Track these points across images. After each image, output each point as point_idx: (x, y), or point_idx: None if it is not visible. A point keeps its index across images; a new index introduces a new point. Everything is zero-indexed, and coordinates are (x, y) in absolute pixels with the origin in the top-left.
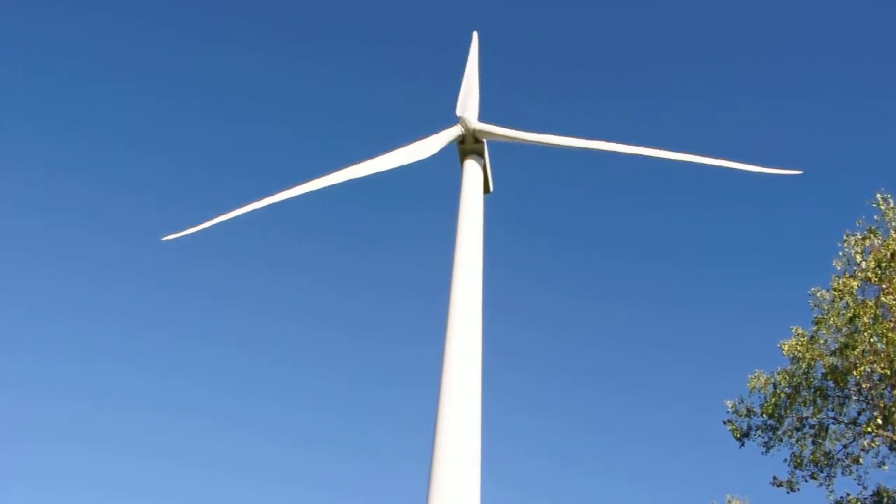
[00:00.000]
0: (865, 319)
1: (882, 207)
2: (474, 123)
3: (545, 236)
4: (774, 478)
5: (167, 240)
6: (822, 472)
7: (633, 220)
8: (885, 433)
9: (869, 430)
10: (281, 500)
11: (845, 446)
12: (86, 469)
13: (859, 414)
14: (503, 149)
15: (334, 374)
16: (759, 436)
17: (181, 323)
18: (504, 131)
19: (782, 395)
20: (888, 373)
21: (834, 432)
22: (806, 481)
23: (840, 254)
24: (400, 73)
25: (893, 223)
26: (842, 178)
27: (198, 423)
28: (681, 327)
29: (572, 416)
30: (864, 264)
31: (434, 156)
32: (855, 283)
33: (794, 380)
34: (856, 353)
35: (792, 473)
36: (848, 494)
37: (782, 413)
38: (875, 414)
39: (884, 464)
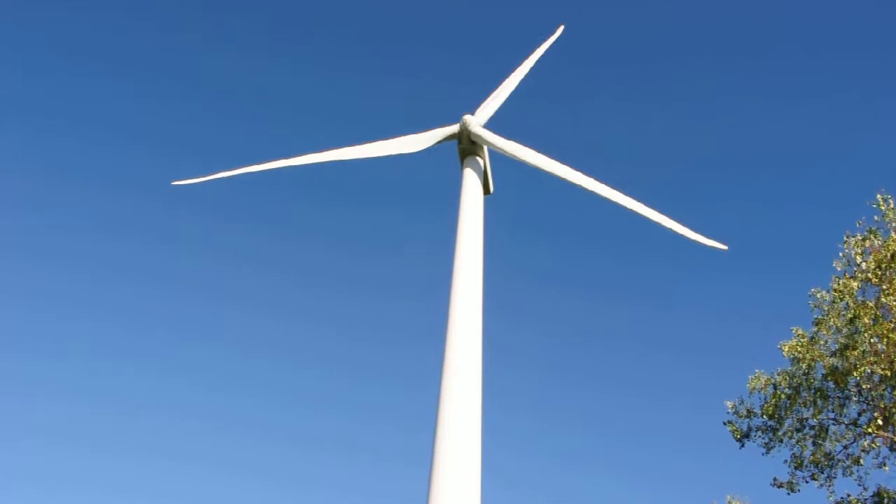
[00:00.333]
0: (866, 320)
1: (882, 208)
2: (473, 126)
3: (545, 237)
4: (775, 479)
5: (177, 184)
6: (822, 472)
7: (633, 220)
8: (886, 434)
9: (869, 430)
10: (281, 501)
11: (846, 447)
12: (86, 469)
13: (860, 415)
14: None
15: (335, 374)
16: (760, 437)
17: (181, 323)
18: (498, 141)
19: (782, 396)
20: (888, 374)
21: (834, 433)
22: (806, 482)
23: (840, 254)
24: (400, 73)
25: (893, 224)
26: (842, 178)
27: (198, 423)
28: (681, 327)
29: (572, 416)
30: (864, 265)
31: (434, 157)
32: (855, 284)
33: (795, 381)
34: (856, 353)
35: (792, 474)
36: (848, 495)
37: (782, 414)
38: (875, 415)
39: (884, 465)
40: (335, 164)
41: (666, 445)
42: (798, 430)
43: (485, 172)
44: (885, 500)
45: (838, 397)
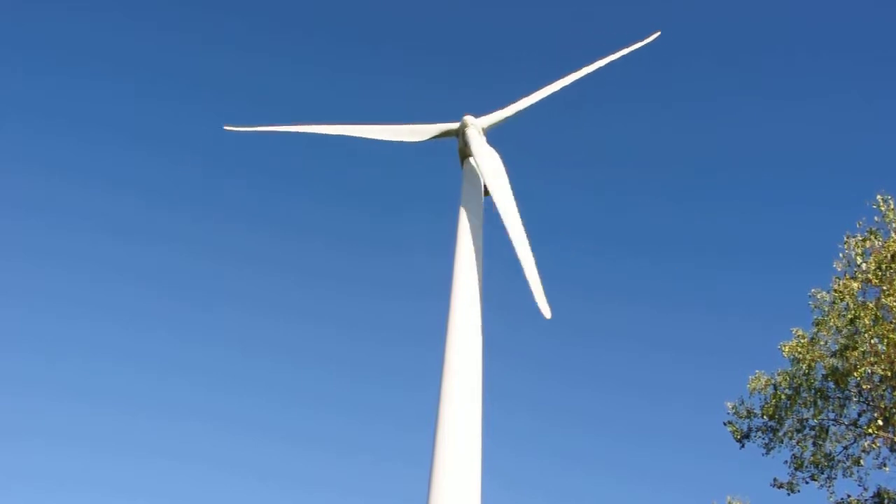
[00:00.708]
0: (866, 321)
1: (882, 209)
2: (476, 122)
3: (545, 237)
4: (775, 479)
5: (229, 129)
6: (822, 473)
7: (633, 220)
8: (886, 434)
9: (869, 431)
10: (281, 501)
11: (846, 448)
12: (85, 470)
13: (860, 415)
14: (503, 151)
15: (335, 374)
16: (760, 437)
17: (181, 323)
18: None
19: (783, 397)
20: (889, 374)
21: (834, 434)
22: (806, 483)
23: (840, 255)
24: (400, 73)
25: (894, 224)
26: (842, 178)
27: (198, 423)
28: (681, 328)
29: (572, 416)
30: (864, 266)
31: (435, 157)
32: (855, 285)
33: (795, 381)
34: (856, 354)
35: (792, 475)
36: (848, 496)
37: (783, 414)
38: (875, 415)
39: (884, 465)
40: (335, 164)
41: (666, 445)
42: (798, 431)
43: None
44: (886, 501)
45: (838, 398)
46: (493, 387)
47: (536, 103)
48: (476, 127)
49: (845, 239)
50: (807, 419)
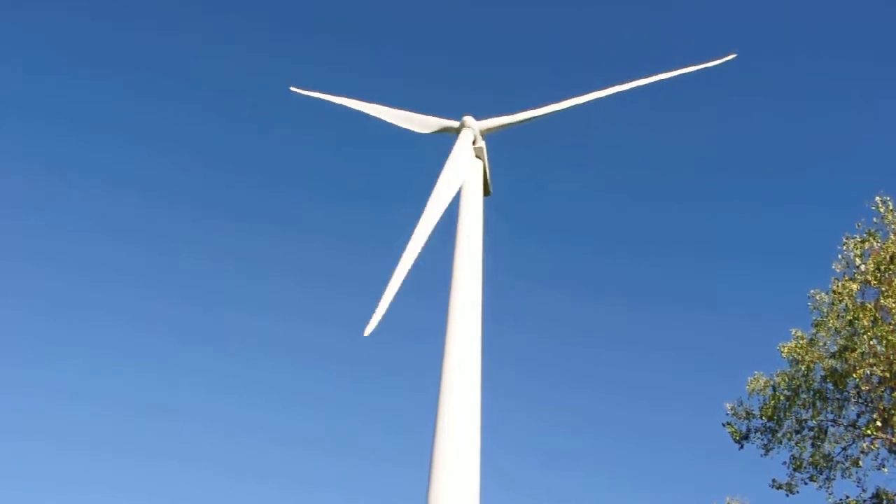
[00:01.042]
0: (865, 322)
1: (881, 210)
2: (478, 123)
3: (545, 237)
4: (774, 480)
5: (295, 91)
6: (821, 474)
7: (633, 221)
8: (885, 436)
9: (868, 432)
10: (281, 501)
11: (844, 449)
12: (85, 470)
13: (859, 416)
14: (503, 151)
15: (335, 374)
16: (759, 438)
17: (181, 323)
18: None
19: (781, 398)
20: (887, 375)
21: (833, 435)
22: (805, 483)
23: (839, 256)
24: (400, 73)
25: (893, 226)
26: (841, 178)
27: (198, 423)
28: (680, 328)
29: (572, 417)
30: (863, 267)
31: (435, 158)
32: (854, 286)
33: (794, 382)
34: (855, 355)
35: (791, 476)
36: (847, 497)
37: (781, 415)
38: (874, 416)
39: (883, 466)
40: (335, 163)
41: (665, 446)
42: (797, 432)
43: (484, 174)
44: (884, 502)
45: (837, 399)
46: (493, 387)
47: (541, 116)
48: (473, 130)
49: (844, 240)
50: (806, 420)
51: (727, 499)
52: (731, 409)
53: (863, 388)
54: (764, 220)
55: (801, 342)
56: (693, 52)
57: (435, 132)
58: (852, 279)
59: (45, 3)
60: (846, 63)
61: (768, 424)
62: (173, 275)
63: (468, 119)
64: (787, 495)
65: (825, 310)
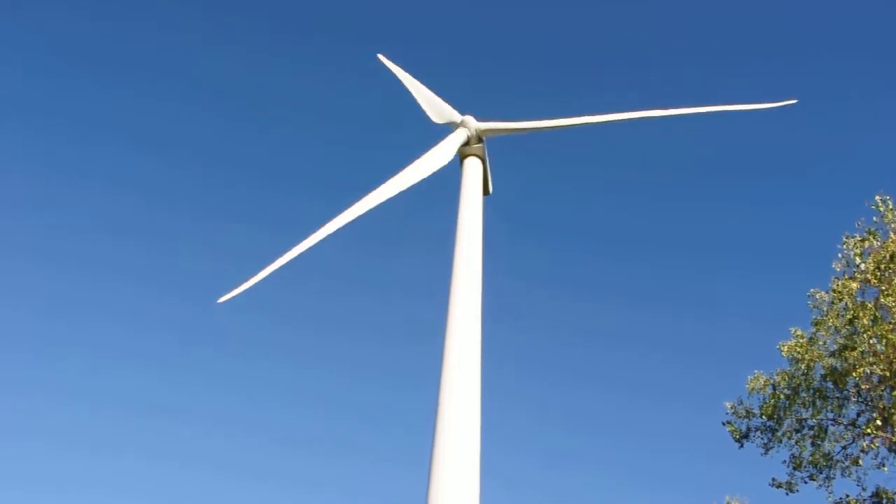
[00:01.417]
0: (865, 321)
1: (881, 209)
2: (476, 124)
3: (545, 237)
4: (773, 479)
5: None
6: (821, 473)
7: (633, 220)
8: (885, 434)
9: (868, 431)
10: (281, 501)
11: (844, 448)
12: (85, 471)
13: (858, 415)
14: (503, 150)
15: (335, 374)
16: (759, 437)
17: (181, 324)
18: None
19: (781, 397)
20: (887, 374)
21: (833, 434)
22: (805, 482)
23: (839, 255)
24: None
25: (892, 225)
26: (842, 178)
27: (198, 423)
28: (680, 328)
29: (572, 417)
30: (863, 266)
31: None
32: (854, 285)
33: (794, 381)
34: (855, 354)
35: (791, 475)
36: (847, 496)
37: (781, 414)
38: (874, 415)
39: (883, 465)
40: (335, 164)
41: (665, 445)
42: (797, 431)
43: (484, 173)
44: (884, 501)
45: (837, 398)
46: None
47: (546, 129)
48: (469, 130)
49: (844, 239)
50: (805, 419)
51: (727, 498)
52: (731, 408)
53: (863, 386)
54: (764, 220)
55: (800, 341)
56: (693, 52)
57: (444, 123)
58: (852, 278)
59: (45, 3)
60: (846, 63)
61: (768, 423)
62: (173, 275)
63: (468, 118)
64: (787, 494)
65: (825, 309)
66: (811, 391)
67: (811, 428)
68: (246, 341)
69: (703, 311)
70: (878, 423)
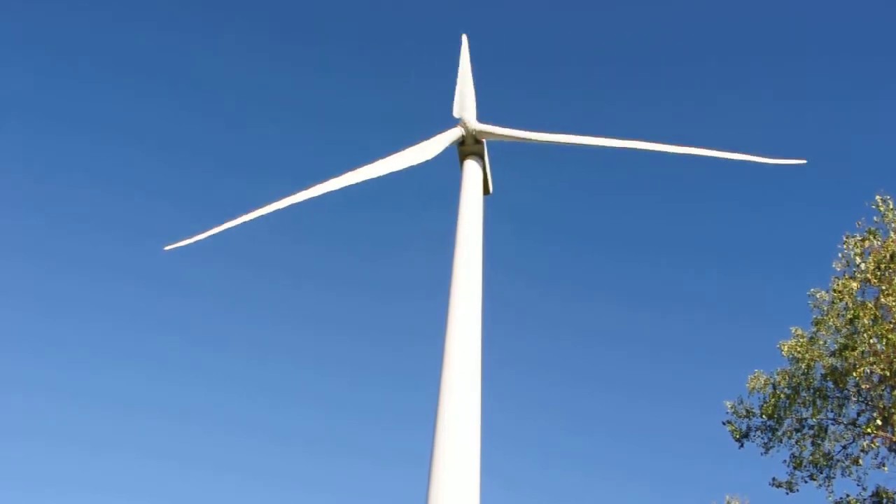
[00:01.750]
0: (865, 321)
1: (881, 209)
2: (474, 124)
3: (545, 237)
4: (774, 478)
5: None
6: (821, 472)
7: (633, 220)
8: (885, 434)
9: (868, 431)
10: (281, 501)
11: (845, 447)
12: (85, 471)
13: (859, 415)
14: (503, 150)
15: (335, 374)
16: (759, 436)
17: (182, 325)
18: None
19: (782, 396)
20: (888, 374)
21: (833, 433)
22: (805, 482)
23: (840, 255)
24: (400, 73)
25: (893, 225)
26: (842, 178)
27: (198, 423)
28: (680, 328)
29: (572, 417)
30: (863, 266)
31: (434, 157)
32: (854, 285)
33: (794, 381)
34: (855, 354)
35: (791, 474)
36: (847, 495)
37: (782, 414)
38: (874, 415)
39: (883, 465)
40: (335, 164)
41: (666, 445)
42: (797, 430)
43: (484, 172)
44: (884, 501)
45: (837, 397)
46: (493, 387)
47: (545, 142)
48: (466, 128)
49: (844, 239)
50: (806, 419)
51: (727, 497)
52: (732, 408)
53: (863, 386)
54: (764, 219)
55: (801, 340)
56: (694, 52)
57: (457, 118)
58: (852, 278)
59: (45, 3)
60: (846, 63)
61: (768, 423)
62: (173, 275)
63: (467, 117)
64: (787, 493)
65: (825, 308)
66: (811, 391)
67: (811, 427)
68: (246, 341)
69: (703, 310)
70: (879, 422)
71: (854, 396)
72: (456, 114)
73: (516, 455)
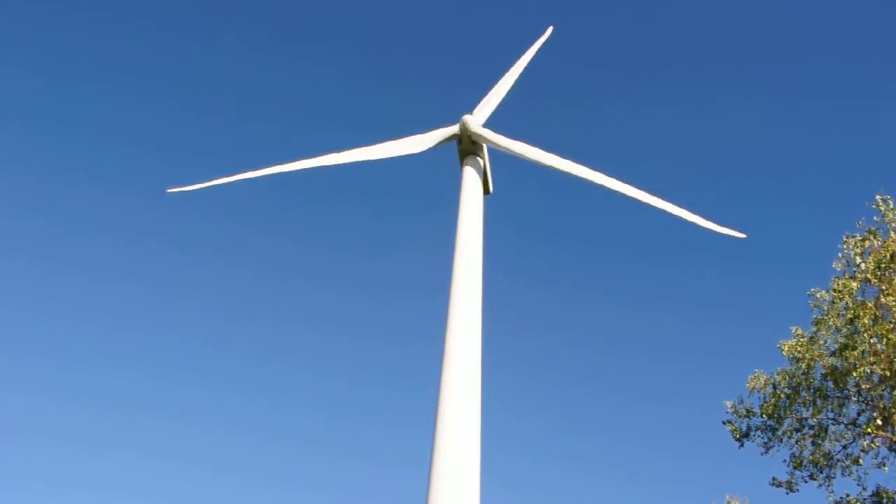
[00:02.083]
0: (865, 320)
1: (882, 209)
2: (473, 126)
3: (545, 237)
4: (774, 478)
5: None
6: (821, 472)
7: (633, 220)
8: (885, 434)
9: (868, 430)
10: (281, 501)
11: (845, 447)
12: (85, 471)
13: (859, 415)
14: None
15: (335, 374)
16: (759, 436)
17: (182, 324)
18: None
19: (782, 396)
20: (888, 374)
21: (833, 433)
22: (805, 482)
23: (840, 255)
24: (399, 73)
25: (893, 224)
26: (842, 178)
27: (198, 423)
28: (680, 328)
29: (572, 417)
30: (863, 265)
31: (434, 157)
32: (855, 285)
33: (794, 380)
34: (855, 354)
35: (791, 474)
36: (847, 495)
37: (782, 414)
38: (875, 415)
39: (883, 465)
40: (336, 165)
41: (665, 445)
42: (797, 430)
43: (484, 172)
44: (885, 500)
45: (838, 397)
46: (493, 387)
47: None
48: (464, 128)
49: (845, 239)
50: (806, 418)
51: (727, 497)
52: (732, 408)
53: (863, 386)
54: (764, 219)
55: (801, 340)
56: (694, 52)
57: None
58: (853, 278)
59: (45, 3)
60: (846, 63)
61: (768, 423)
62: (173, 275)
63: (468, 118)
64: (787, 493)
65: (826, 308)
66: (812, 390)
67: (811, 427)
68: (246, 341)
69: (703, 310)
70: (879, 422)
71: (854, 396)
72: (477, 110)
73: (516, 455)
